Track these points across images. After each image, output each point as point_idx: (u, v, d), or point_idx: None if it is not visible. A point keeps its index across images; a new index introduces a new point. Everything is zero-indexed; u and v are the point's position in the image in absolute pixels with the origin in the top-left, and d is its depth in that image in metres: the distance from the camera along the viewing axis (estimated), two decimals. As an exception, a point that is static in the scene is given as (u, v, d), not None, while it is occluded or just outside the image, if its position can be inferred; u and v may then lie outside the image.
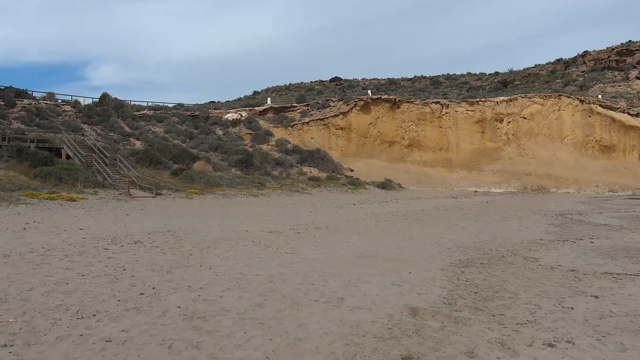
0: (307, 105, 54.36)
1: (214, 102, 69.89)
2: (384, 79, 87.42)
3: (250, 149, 42.62)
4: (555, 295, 8.02)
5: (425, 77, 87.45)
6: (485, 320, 6.54)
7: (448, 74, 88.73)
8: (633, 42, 71.12)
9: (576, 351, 5.49)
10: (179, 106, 51.93)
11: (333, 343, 5.48)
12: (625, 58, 68.95)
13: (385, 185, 42.22)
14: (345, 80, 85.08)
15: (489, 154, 51.19)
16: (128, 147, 35.39)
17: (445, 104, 52.52)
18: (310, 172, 41.99)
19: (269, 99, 57.88)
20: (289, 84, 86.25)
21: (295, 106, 54.23)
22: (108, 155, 29.42)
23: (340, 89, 74.98)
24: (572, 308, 7.27)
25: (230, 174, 35.08)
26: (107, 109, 42.08)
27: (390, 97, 52.75)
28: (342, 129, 50.35)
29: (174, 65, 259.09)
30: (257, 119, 50.72)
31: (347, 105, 51.04)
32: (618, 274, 9.86)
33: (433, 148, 51.78)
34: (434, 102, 52.59)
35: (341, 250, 11.92)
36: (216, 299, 7.15)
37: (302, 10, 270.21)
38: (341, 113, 50.55)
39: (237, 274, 8.84)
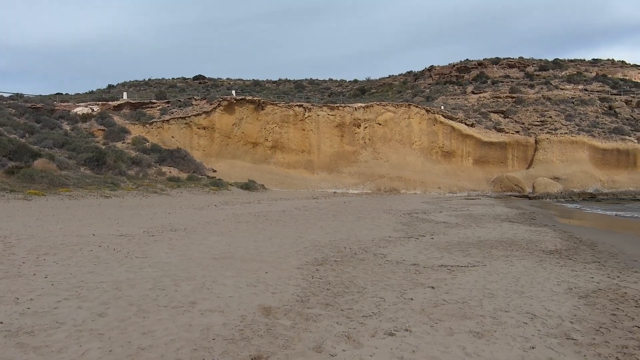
0: (168, 102, 51.96)
1: (61, 94, 63.37)
2: (249, 80, 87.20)
3: (103, 147, 39.44)
4: (398, 288, 8.66)
5: (289, 80, 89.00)
6: (334, 315, 6.81)
7: (311, 78, 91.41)
8: (470, 61, 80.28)
9: (412, 338, 5.97)
10: (17, 96, 46.15)
11: (180, 349, 5.26)
12: (463, 74, 77.55)
13: (249, 186, 42.08)
14: (210, 79, 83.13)
15: (348, 157, 53.84)
16: (-51, 140, 30.46)
17: (308, 107, 53.99)
18: (170, 172, 40.20)
19: (125, 94, 54.20)
20: (149, 79, 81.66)
21: (154, 103, 51.51)
22: None
23: (204, 88, 73.09)
24: (411, 299, 7.90)
25: (78, 173, 32.09)
26: None
27: (255, 98, 52.74)
28: (204, 128, 49.04)
29: (12, 50, 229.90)
30: (111, 114, 47.12)
31: (211, 104, 49.85)
32: (452, 266, 10.98)
33: (296, 150, 52.91)
34: (297, 105, 53.75)
35: (198, 252, 11.57)
36: (49, 311, 6.43)
37: (164, 2, 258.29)
38: (204, 112, 49.20)
39: (78, 282, 8.07)
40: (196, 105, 50.38)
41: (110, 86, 77.34)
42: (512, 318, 6.94)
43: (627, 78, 70.83)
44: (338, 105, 55.74)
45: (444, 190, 51.74)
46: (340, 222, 19.95)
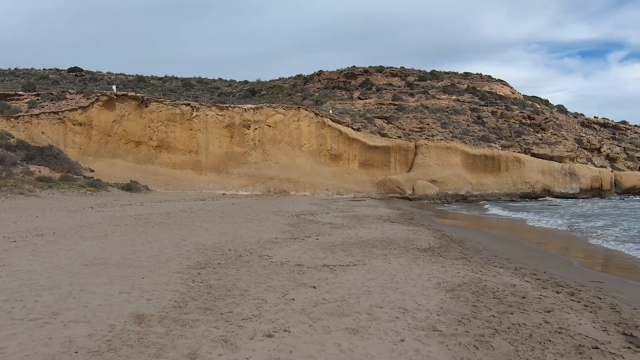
0: (38, 95, 47.38)
1: None
2: (133, 75, 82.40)
3: (-44, 142, 34.88)
4: (281, 289, 8.68)
5: (176, 77, 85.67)
6: (213, 320, 6.64)
7: (200, 77, 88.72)
8: (356, 68, 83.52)
9: (290, 338, 6.01)
10: None
11: (35, 366, 4.77)
12: (350, 80, 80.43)
13: (131, 187, 39.77)
14: (87, 72, 77.14)
15: (237, 158, 53.16)
16: None
17: (196, 106, 52.38)
18: (40, 171, 36.60)
19: (-15, 84, 48.47)
20: (15, 69, 73.71)
21: (21, 95, 46.68)
22: None
23: (81, 81, 67.69)
24: (293, 299, 7.97)
25: None
26: None
27: (138, 94, 49.97)
28: (81, 125, 45.42)
29: None
30: (-33, 106, 41.86)
31: (88, 99, 46.31)
32: (334, 265, 11.28)
33: (183, 150, 51.10)
34: (184, 104, 51.91)
35: (67, 258, 10.64)
36: None
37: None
38: (80, 107, 45.57)
39: None
40: (71, 99, 46.55)
41: (-34, 74, 68.57)
42: (386, 313, 7.29)
43: (492, 91, 78.46)
44: (227, 105, 54.84)
45: (332, 192, 53.18)
46: (227, 224, 19.61)
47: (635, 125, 72.48)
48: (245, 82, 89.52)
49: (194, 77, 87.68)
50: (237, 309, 7.22)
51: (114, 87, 51.60)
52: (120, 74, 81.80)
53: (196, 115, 52.14)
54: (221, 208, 28.71)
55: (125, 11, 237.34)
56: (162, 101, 51.11)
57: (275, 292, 8.45)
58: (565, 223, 27.06)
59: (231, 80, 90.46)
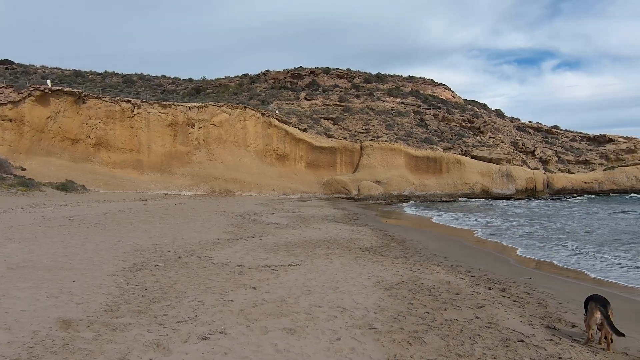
0: (-37, 88, 44.33)
1: None
2: (69, 70, 78.72)
3: None
4: (220, 290, 8.54)
5: (117, 73, 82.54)
6: (145, 323, 6.43)
7: (142, 73, 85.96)
8: (303, 68, 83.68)
9: (227, 340, 5.91)
10: None
11: (-55, 378, 4.44)
12: (297, 80, 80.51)
13: (67, 187, 37.96)
14: (19, 65, 72.89)
15: (181, 157, 51.90)
16: None
17: (137, 103, 50.69)
18: (-36, 170, 34.34)
19: None
20: (-63, 60, 68.82)
21: (-56, 88, 43.48)
22: None
23: (12, 74, 63.82)
24: (231, 300, 7.86)
25: None
26: None
27: (75, 90, 47.74)
28: (11, 120, 42.90)
29: None
30: None
31: (20, 93, 43.79)
32: (276, 265, 11.23)
33: (123, 149, 49.32)
34: (124, 101, 50.11)
35: (-11, 262, 10.00)
36: None
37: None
38: (11, 102, 43.03)
39: None
40: (0, 93, 43.85)
41: None
42: (324, 312, 7.32)
43: (435, 95, 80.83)
44: (171, 103, 53.43)
45: (278, 192, 52.96)
46: (168, 225, 19.10)
47: (566, 130, 76.75)
48: (190, 80, 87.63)
49: (136, 74, 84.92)
50: (173, 312, 7.04)
51: (48, 81, 49.05)
52: (56, 68, 77.99)
53: (137, 113, 50.49)
54: (162, 208, 27.93)
55: (62, 2, 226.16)
56: (100, 97, 49.14)
57: (213, 293, 8.30)
58: (480, 223, 28.76)
59: (175, 78, 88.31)
